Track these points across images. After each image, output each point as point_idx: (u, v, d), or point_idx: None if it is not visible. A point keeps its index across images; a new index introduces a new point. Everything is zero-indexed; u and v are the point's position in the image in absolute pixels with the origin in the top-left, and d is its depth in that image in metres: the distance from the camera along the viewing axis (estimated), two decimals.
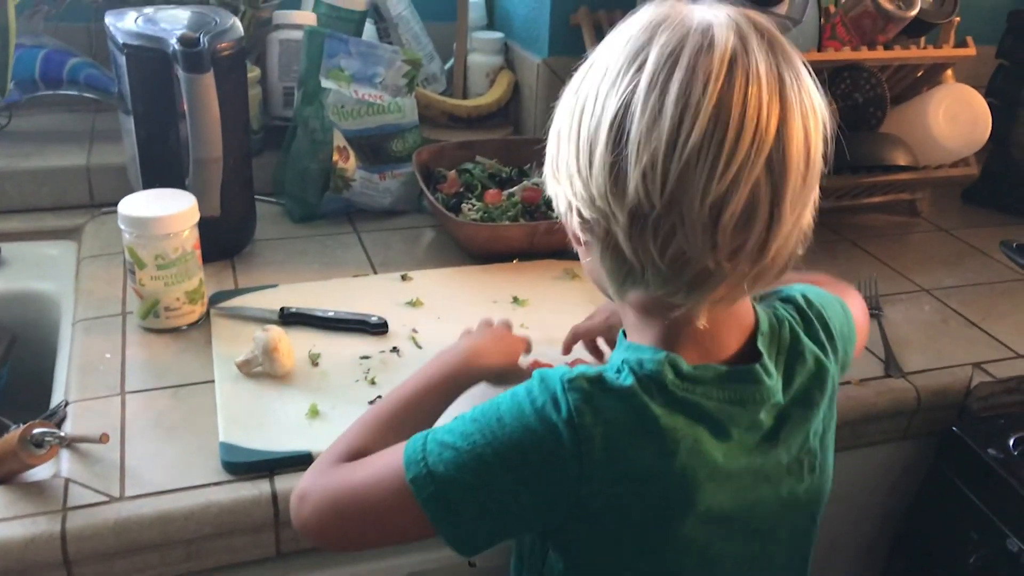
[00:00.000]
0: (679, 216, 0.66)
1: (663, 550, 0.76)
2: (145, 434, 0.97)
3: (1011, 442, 1.08)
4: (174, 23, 1.22)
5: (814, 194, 0.71)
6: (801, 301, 0.85)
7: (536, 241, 1.32)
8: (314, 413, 1.00)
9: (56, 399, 1.06)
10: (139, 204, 1.11)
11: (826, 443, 0.84)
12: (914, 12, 1.38)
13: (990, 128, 1.43)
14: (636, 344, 0.78)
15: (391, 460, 0.77)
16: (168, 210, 1.10)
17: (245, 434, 0.96)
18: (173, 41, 1.15)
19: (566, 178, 0.73)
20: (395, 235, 1.44)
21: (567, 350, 1.11)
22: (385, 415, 0.88)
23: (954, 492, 1.09)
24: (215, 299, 1.20)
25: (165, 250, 1.10)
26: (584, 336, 1.10)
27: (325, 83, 1.43)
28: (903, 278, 1.40)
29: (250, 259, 1.34)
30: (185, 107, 1.15)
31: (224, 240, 1.30)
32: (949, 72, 1.53)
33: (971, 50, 1.47)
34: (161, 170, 1.24)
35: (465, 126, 1.68)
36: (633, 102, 0.66)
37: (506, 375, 1.00)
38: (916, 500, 1.18)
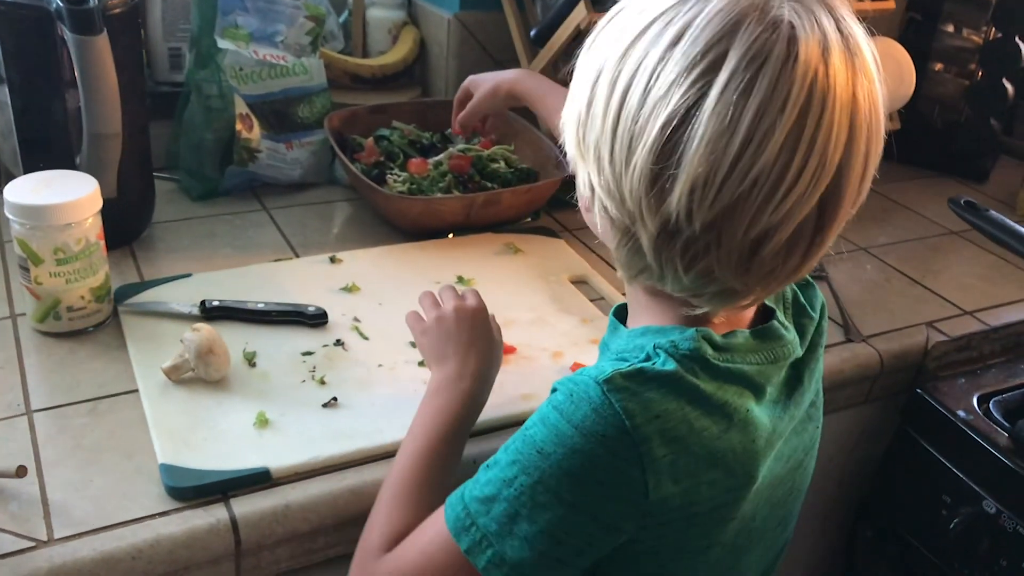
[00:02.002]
0: (716, 240, 0.61)
1: (722, 535, 0.70)
2: (65, 461, 0.83)
3: (974, 400, 1.07)
4: None
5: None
6: None
7: (473, 214, 1.23)
8: (263, 422, 0.88)
9: None
10: (30, 190, 0.95)
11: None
12: None
13: (915, 83, 1.42)
14: (656, 327, 0.71)
15: (435, 536, 0.69)
16: (67, 196, 0.94)
17: (188, 453, 0.84)
18: None
19: (594, 159, 0.65)
20: (309, 211, 1.31)
21: (466, 130, 1.30)
22: (408, 482, 0.78)
23: (923, 455, 1.08)
24: (121, 295, 1.05)
25: (66, 242, 0.95)
26: (472, 118, 1.22)
27: (222, 43, 1.28)
28: (838, 237, 1.38)
29: (151, 245, 1.19)
30: (76, 75, 0.99)
31: (121, 225, 1.14)
32: None
33: (890, 3, 1.45)
34: (44, 148, 1.07)
35: (370, 87, 1.55)
36: (700, 107, 0.58)
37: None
38: (882, 465, 1.17)
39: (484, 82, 1.26)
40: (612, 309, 0.79)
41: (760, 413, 0.69)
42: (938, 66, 1.67)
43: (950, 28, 1.66)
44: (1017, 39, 1.55)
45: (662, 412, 0.63)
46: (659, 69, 0.59)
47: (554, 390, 0.68)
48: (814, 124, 0.58)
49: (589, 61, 0.66)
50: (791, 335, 0.74)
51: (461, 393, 0.84)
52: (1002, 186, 1.63)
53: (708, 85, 0.58)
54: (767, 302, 0.74)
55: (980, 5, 1.61)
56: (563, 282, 1.17)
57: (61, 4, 0.97)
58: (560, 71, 1.44)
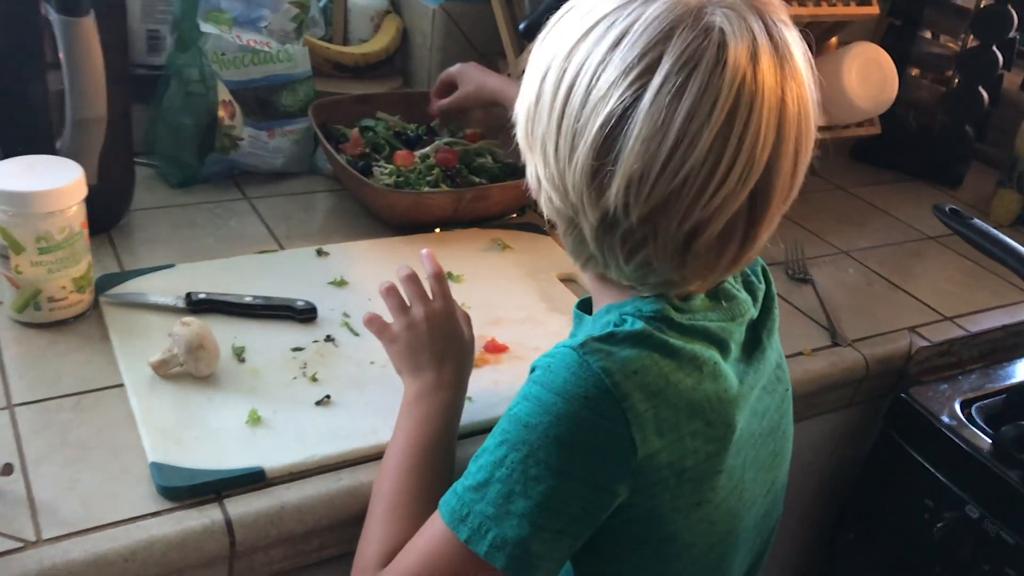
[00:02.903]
0: (652, 232, 0.65)
1: (713, 492, 0.71)
2: (50, 457, 0.81)
3: (957, 406, 1.09)
4: None
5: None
6: None
7: (461, 209, 1.21)
8: (255, 420, 0.86)
9: None
10: (11, 175, 0.92)
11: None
12: None
13: (897, 88, 1.44)
14: (617, 302, 0.73)
15: (433, 536, 0.69)
16: (51, 183, 0.91)
17: (179, 451, 0.82)
18: None
19: (540, 153, 0.69)
20: (291, 201, 1.29)
21: (444, 119, 1.32)
22: (400, 496, 0.78)
23: (905, 459, 1.09)
24: (102, 284, 1.02)
25: (49, 231, 0.92)
26: (453, 109, 1.23)
27: (204, 27, 1.25)
28: (820, 240, 1.39)
29: (130, 233, 1.16)
30: (61, 57, 0.95)
31: (101, 212, 1.10)
32: (833, 40, 1.53)
33: (875, 8, 1.46)
34: (24, 132, 1.03)
35: (351, 76, 1.53)
36: (636, 108, 0.61)
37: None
38: (865, 468, 1.18)
39: (470, 80, 1.27)
40: (575, 304, 0.82)
41: (727, 368, 0.71)
42: (915, 71, 1.69)
43: (928, 34, 1.69)
44: (994, 47, 1.57)
45: (639, 368, 0.66)
46: (599, 71, 0.63)
47: (533, 369, 0.70)
48: (742, 125, 0.61)
49: (539, 56, 0.69)
50: (744, 295, 0.77)
51: (440, 403, 0.83)
52: (975, 192, 1.65)
53: (643, 88, 0.61)
54: None
55: (959, 13, 1.63)
56: (552, 280, 1.16)
57: None
58: None
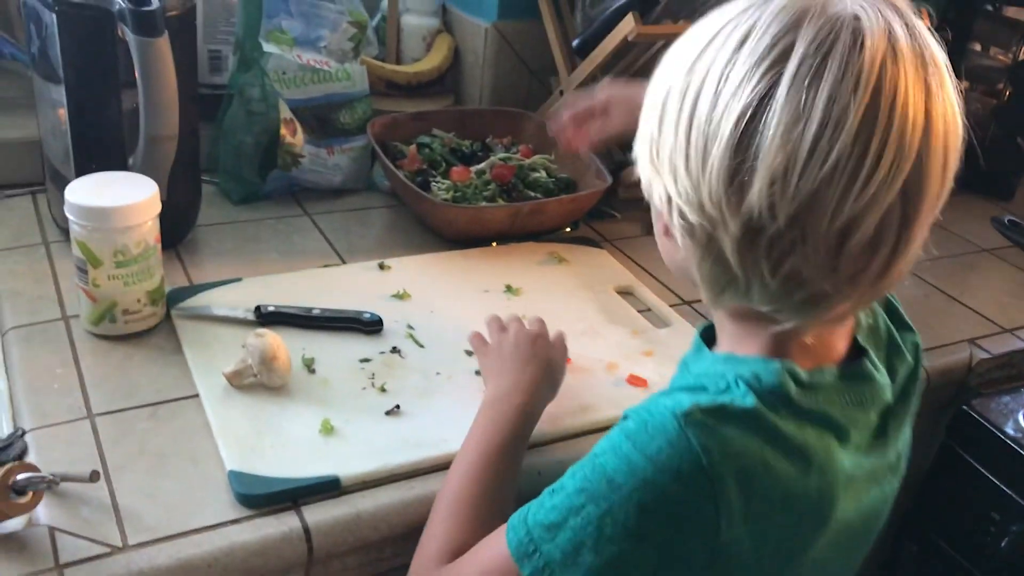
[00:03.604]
0: (801, 234, 0.59)
1: (791, 572, 0.69)
2: (132, 465, 0.83)
3: (1020, 417, 1.08)
4: None
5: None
6: None
7: (517, 223, 1.23)
8: (328, 429, 0.88)
9: (5, 427, 0.89)
10: (90, 191, 0.94)
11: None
12: None
13: None
14: (739, 355, 0.69)
15: (496, 557, 0.68)
16: (128, 199, 0.94)
17: (255, 459, 0.83)
18: None
19: (669, 171, 0.63)
20: (351, 217, 1.31)
21: (567, 144, 1.12)
22: (466, 494, 0.78)
23: (968, 471, 1.09)
24: (173, 298, 1.04)
25: (126, 245, 0.94)
26: (582, 119, 1.08)
27: (266, 47, 1.27)
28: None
29: (196, 248, 1.18)
30: (137, 76, 0.98)
31: (170, 227, 1.12)
32: None
33: (924, 21, 1.46)
34: (98, 149, 1.06)
35: (404, 94, 1.55)
36: (772, 97, 0.57)
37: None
38: (926, 482, 1.17)
39: (622, 105, 1.08)
40: (698, 328, 0.78)
41: (842, 456, 0.67)
42: (965, 84, 1.68)
43: (979, 47, 1.68)
44: None
45: (740, 450, 0.62)
46: (727, 71, 0.59)
47: (625, 417, 0.66)
48: (887, 106, 0.56)
49: (656, 86, 0.65)
50: (882, 378, 0.71)
51: (515, 406, 0.84)
52: None
53: (778, 75, 0.57)
54: (859, 339, 0.72)
55: (1011, 25, 1.63)
56: (609, 292, 1.17)
57: (124, 5, 0.96)
58: (599, 82, 1.45)
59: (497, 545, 0.68)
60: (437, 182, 1.28)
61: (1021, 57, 1.62)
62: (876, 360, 0.72)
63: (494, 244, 1.24)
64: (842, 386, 0.68)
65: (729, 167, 0.59)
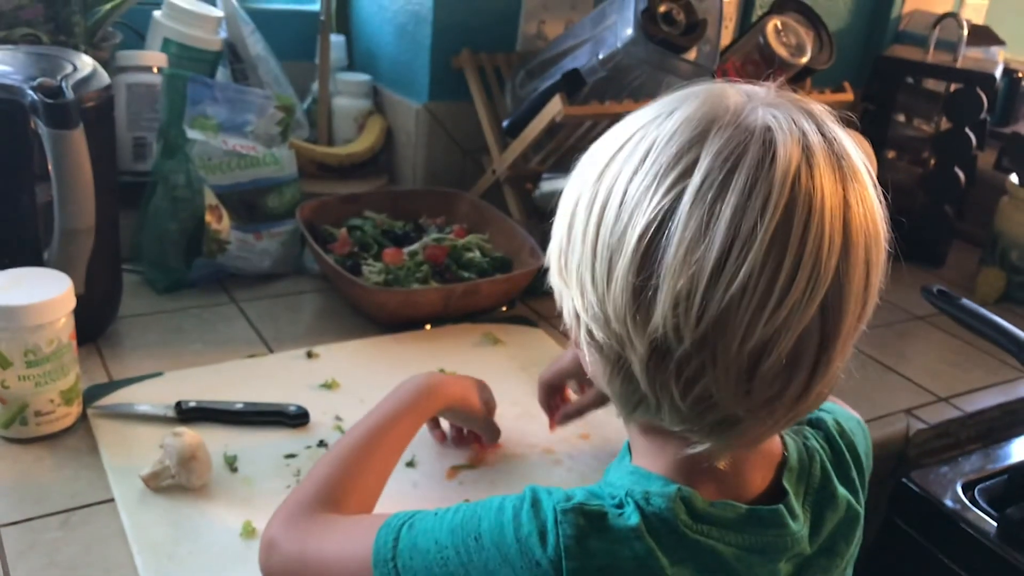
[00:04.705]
0: (711, 357, 0.56)
1: None
2: None
3: (959, 488, 1.08)
4: (19, 66, 1.02)
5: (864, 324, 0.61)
6: (833, 429, 0.73)
7: (451, 305, 1.21)
8: (250, 532, 0.84)
9: None
10: None
11: None
12: (805, 59, 1.39)
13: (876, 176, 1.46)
14: (643, 471, 0.66)
15: (361, 542, 0.68)
16: (39, 296, 0.90)
17: (172, 568, 0.79)
18: (29, 89, 0.95)
19: (576, 284, 0.61)
20: (279, 303, 1.28)
21: (553, 424, 1.02)
22: (355, 451, 0.81)
23: (911, 545, 1.07)
24: (91, 396, 1.00)
25: (37, 344, 0.90)
26: (554, 382, 1.00)
27: (191, 133, 1.25)
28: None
29: (117, 341, 1.14)
30: (51, 169, 0.95)
31: (88, 321, 1.09)
32: None
33: (849, 95, 1.50)
34: (11, 244, 1.03)
35: (337, 176, 1.54)
36: (674, 213, 0.55)
37: (461, 410, 0.94)
38: (869, 555, 1.15)
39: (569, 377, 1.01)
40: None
41: None
42: (891, 154, 1.72)
43: (902, 118, 1.72)
44: (967, 129, 1.60)
45: (604, 566, 0.59)
46: (633, 181, 0.57)
47: (528, 491, 0.63)
48: (801, 223, 0.54)
49: (568, 191, 0.63)
50: (798, 528, 0.65)
51: (418, 389, 0.89)
52: (959, 270, 1.67)
53: (682, 190, 0.55)
54: (785, 484, 0.67)
55: (931, 97, 1.67)
56: None
57: (36, 98, 0.94)
58: (531, 161, 1.45)
59: (364, 537, 0.68)
60: (369, 265, 1.26)
61: (943, 127, 1.66)
62: (796, 506, 0.66)
63: (428, 327, 1.22)
64: (743, 526, 0.63)
65: (633, 284, 0.56)
